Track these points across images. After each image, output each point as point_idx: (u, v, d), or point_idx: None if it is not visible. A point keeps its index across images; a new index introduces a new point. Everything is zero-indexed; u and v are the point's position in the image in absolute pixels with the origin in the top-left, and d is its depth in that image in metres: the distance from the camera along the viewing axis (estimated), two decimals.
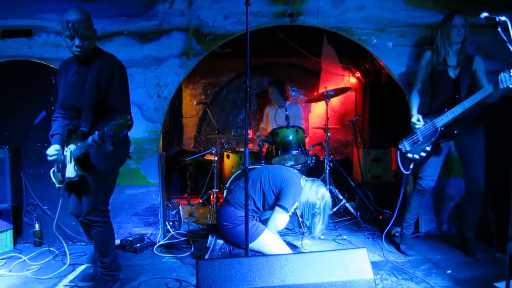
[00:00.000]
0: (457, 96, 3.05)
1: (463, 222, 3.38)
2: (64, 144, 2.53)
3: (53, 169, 2.65)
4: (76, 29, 2.32)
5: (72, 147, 2.44)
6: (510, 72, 2.64)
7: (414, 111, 3.24)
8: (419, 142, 3.15)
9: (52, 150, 2.49)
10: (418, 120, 3.13)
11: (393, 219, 3.51)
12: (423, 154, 3.12)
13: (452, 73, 3.14)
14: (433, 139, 3.09)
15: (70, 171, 2.42)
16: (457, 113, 2.98)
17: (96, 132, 2.20)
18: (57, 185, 2.59)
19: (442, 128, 3.06)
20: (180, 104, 5.87)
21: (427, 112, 3.19)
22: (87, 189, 2.47)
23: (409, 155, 3.18)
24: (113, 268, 2.65)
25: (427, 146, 3.10)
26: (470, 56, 3.14)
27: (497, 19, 2.45)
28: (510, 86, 2.64)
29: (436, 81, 3.21)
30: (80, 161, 2.42)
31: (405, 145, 3.23)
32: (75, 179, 2.42)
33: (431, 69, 3.22)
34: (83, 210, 2.50)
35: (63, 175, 2.49)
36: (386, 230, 3.54)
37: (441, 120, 3.05)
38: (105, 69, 2.42)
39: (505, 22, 2.40)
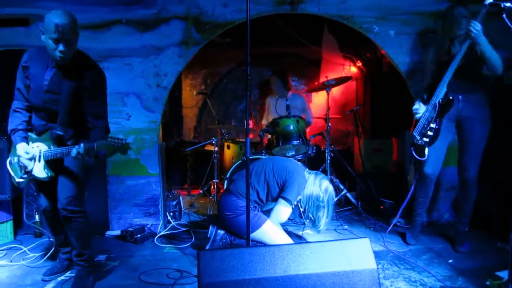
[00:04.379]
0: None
1: (456, 214, 3.32)
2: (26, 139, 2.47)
3: (9, 159, 2.55)
4: (64, 34, 2.24)
5: (43, 147, 2.42)
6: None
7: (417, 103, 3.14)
8: (425, 126, 3.05)
9: (23, 152, 2.38)
10: (418, 105, 3.09)
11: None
12: (430, 133, 3.03)
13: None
14: (434, 115, 3.01)
15: (40, 170, 2.41)
16: (447, 79, 2.92)
17: (82, 145, 2.23)
18: (17, 180, 2.49)
19: (439, 101, 2.99)
20: (180, 94, 5.82)
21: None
22: (66, 180, 2.45)
23: (420, 142, 3.07)
24: (92, 258, 2.67)
25: (431, 123, 3.01)
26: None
27: (502, 5, 2.41)
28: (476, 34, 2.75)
29: (441, 72, 3.12)
30: (51, 162, 2.41)
31: (416, 137, 3.09)
32: (46, 180, 2.42)
33: (436, 63, 3.17)
34: (63, 200, 2.43)
35: (28, 171, 2.43)
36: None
37: (436, 97, 2.99)
38: (90, 80, 2.42)
39: (510, 8, 2.36)
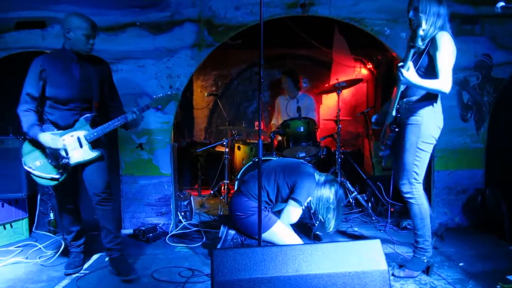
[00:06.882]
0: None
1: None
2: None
3: (28, 166, 2.65)
4: (94, 30, 2.67)
5: (80, 133, 2.66)
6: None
7: None
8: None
9: (50, 139, 2.58)
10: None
11: None
12: (382, 147, 2.83)
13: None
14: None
15: (87, 153, 2.67)
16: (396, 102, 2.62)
17: (135, 109, 2.69)
18: (54, 175, 2.65)
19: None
20: (191, 95, 5.89)
21: None
22: (99, 166, 2.73)
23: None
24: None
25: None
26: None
27: None
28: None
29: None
30: (94, 142, 2.69)
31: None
32: (93, 158, 2.68)
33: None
34: (101, 185, 2.71)
35: (64, 164, 2.63)
36: None
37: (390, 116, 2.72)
38: (106, 69, 2.85)
39: None
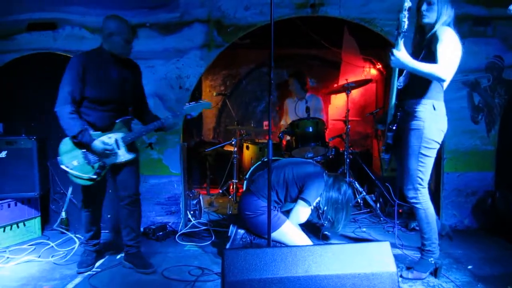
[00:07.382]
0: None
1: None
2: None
3: (66, 165, 2.61)
4: (133, 35, 2.77)
5: (117, 135, 2.68)
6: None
7: None
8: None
9: (101, 143, 2.58)
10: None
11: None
12: (383, 148, 2.78)
13: None
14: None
15: (123, 155, 2.71)
16: (392, 100, 2.61)
17: (170, 114, 2.79)
18: (92, 176, 2.64)
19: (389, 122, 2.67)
20: (200, 95, 5.91)
21: None
22: (133, 169, 2.83)
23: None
24: None
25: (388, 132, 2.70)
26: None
27: None
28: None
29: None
30: (129, 145, 2.74)
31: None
32: (128, 160, 2.73)
33: None
34: (133, 187, 2.84)
35: (102, 165, 2.66)
36: None
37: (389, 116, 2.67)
38: (138, 72, 2.94)
39: None
